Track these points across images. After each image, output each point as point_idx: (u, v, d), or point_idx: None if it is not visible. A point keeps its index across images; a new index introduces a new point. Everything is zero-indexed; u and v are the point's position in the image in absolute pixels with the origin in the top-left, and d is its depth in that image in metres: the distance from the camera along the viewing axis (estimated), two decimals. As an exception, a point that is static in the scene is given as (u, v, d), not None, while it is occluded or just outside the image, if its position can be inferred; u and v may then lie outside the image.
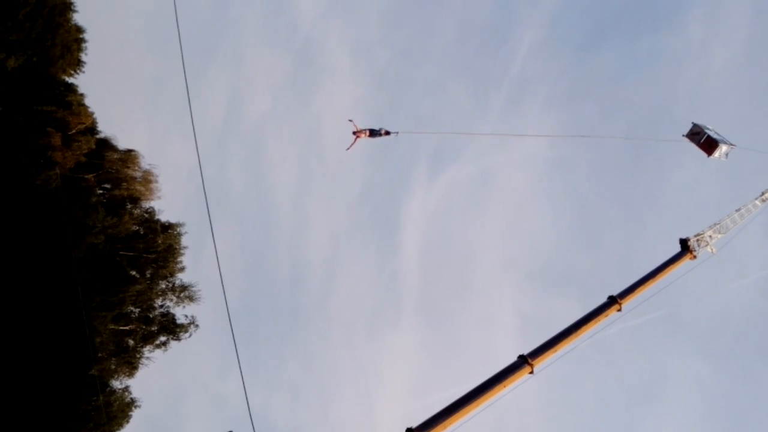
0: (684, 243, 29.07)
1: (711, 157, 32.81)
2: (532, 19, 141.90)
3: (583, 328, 24.52)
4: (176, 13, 25.76)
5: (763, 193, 32.41)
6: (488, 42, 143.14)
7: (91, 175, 59.23)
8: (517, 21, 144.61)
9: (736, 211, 31.11)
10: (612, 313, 25.55)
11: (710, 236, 29.61)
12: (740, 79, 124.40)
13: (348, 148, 26.72)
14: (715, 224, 30.05)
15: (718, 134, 33.46)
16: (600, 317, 25.09)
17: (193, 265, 63.40)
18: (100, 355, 53.49)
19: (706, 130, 33.15)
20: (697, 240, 29.26)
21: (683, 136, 33.73)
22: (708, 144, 32.90)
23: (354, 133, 26.62)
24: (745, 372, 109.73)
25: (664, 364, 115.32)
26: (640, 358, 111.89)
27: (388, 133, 26.87)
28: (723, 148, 32.88)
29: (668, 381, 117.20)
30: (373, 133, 26.78)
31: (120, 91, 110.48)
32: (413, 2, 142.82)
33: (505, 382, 22.28)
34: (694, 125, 33.68)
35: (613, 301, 25.67)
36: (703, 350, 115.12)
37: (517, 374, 22.61)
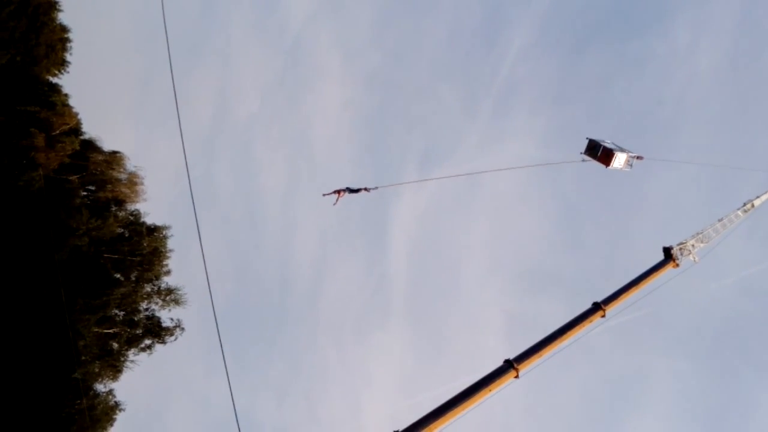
0: (667, 251, 29.43)
1: (610, 167, 31.82)
2: (521, 22, 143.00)
3: (568, 333, 24.90)
4: (163, 13, 25.78)
5: (744, 204, 32.95)
6: (478, 45, 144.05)
7: (75, 176, 58.74)
8: (507, 24, 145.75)
9: (719, 221, 31.52)
10: (596, 319, 25.95)
11: (693, 245, 29.98)
12: (726, 83, 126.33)
13: (335, 203, 25.75)
14: (698, 233, 30.43)
15: (615, 145, 32.58)
16: (585, 323, 25.50)
17: (179, 267, 62.84)
18: (83, 358, 53.02)
19: (602, 143, 32.28)
20: (680, 249, 29.63)
21: (581, 153, 32.70)
22: (605, 155, 31.98)
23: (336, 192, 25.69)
24: (726, 370, 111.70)
25: (646, 362, 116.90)
26: (623, 356, 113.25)
27: (367, 190, 26.25)
28: (621, 157, 31.99)
29: (650, 379, 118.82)
30: (353, 191, 26.08)
31: (105, 91, 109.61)
32: (403, 5, 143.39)
33: (491, 386, 22.60)
34: (590, 140, 32.64)
35: (597, 307, 26.03)
36: (685, 349, 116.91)
37: (502, 378, 22.96)
